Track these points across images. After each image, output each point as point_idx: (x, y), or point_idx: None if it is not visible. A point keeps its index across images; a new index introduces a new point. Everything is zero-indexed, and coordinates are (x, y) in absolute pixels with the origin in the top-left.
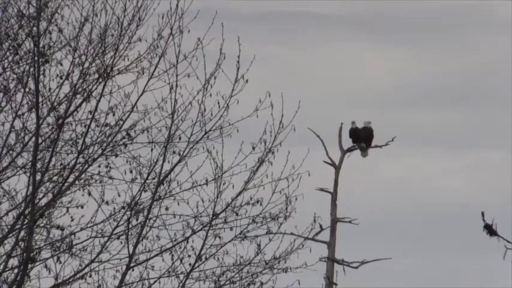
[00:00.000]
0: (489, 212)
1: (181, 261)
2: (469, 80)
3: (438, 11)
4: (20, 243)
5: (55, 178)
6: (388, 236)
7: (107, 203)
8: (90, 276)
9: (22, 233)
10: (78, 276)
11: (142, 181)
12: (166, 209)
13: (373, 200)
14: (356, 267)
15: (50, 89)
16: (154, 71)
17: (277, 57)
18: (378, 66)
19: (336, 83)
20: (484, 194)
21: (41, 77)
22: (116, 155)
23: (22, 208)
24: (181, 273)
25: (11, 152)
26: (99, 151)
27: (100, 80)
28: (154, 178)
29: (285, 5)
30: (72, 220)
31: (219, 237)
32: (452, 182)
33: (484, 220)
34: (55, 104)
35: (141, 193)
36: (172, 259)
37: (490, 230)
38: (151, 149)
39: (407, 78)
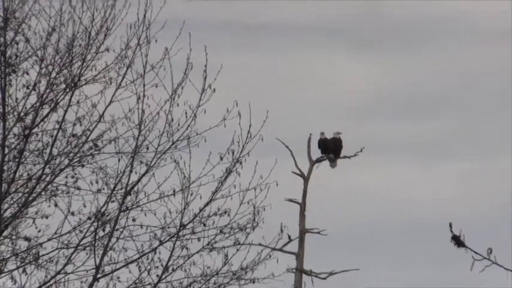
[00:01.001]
0: (459, 222)
1: (148, 272)
2: (442, 90)
3: (417, 20)
4: None
5: (21, 189)
6: (356, 247)
7: (73, 213)
8: (56, 287)
9: None
10: (43, 287)
11: (109, 192)
12: (133, 220)
13: (342, 210)
14: (324, 278)
15: (16, 99)
16: (121, 81)
17: (247, 66)
18: (351, 76)
19: (306, 93)
20: (453, 204)
21: (8, 87)
22: (83, 166)
23: None
24: (148, 284)
25: None
26: (66, 161)
27: (67, 90)
28: (121, 189)
29: (254, 14)
30: (39, 231)
31: (186, 248)
32: (422, 192)
33: (451, 231)
34: (22, 114)
35: (107, 204)
36: (139, 270)
37: (457, 241)
38: (119, 160)
39: (380, 88)
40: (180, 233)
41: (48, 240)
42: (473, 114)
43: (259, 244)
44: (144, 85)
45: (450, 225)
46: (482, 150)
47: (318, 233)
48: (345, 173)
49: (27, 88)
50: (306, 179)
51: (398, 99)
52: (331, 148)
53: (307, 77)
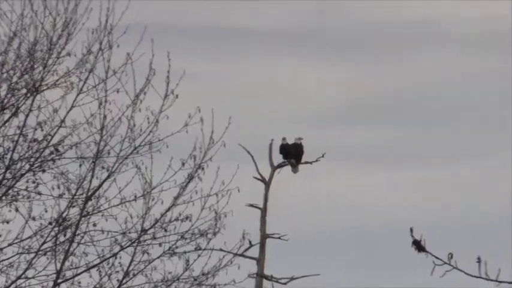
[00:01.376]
0: (420, 228)
1: (109, 277)
2: (405, 96)
3: (377, 27)
4: None
5: None
6: (317, 252)
7: (34, 218)
8: None
9: None
10: None
11: (70, 197)
12: (94, 225)
13: (303, 216)
14: (285, 283)
15: None
16: (83, 86)
17: (210, 72)
18: (313, 82)
19: (268, 99)
20: (415, 209)
21: None
22: (44, 171)
23: None
24: None
25: None
26: (27, 166)
27: (28, 95)
28: (82, 194)
29: (218, 20)
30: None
31: (147, 253)
32: (383, 198)
33: (412, 236)
34: None
35: (69, 209)
36: (100, 275)
37: (418, 245)
38: (80, 165)
39: (343, 94)
40: (141, 238)
41: (9, 245)
42: (434, 121)
43: (221, 249)
44: (106, 90)
45: (411, 230)
46: (443, 157)
47: (279, 238)
48: (306, 179)
49: None
50: (267, 184)
51: (360, 105)
52: (292, 153)
53: (269, 83)
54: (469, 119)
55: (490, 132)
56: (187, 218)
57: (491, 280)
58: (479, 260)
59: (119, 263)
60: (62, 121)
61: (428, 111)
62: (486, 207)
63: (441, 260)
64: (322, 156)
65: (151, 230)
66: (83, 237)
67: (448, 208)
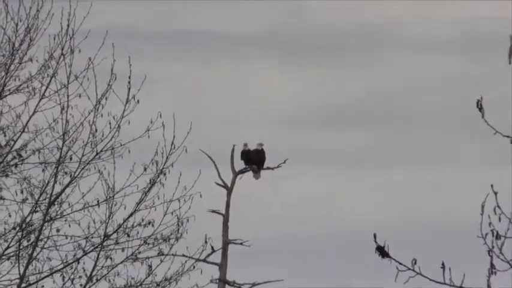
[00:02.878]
0: (385, 233)
1: (72, 282)
2: (375, 99)
3: (349, 29)
4: None
5: None
6: (280, 258)
7: None
8: None
9: None
10: None
11: (34, 202)
12: (58, 230)
13: (265, 222)
14: None
15: None
16: (45, 91)
17: (173, 77)
18: (282, 86)
19: (230, 104)
20: (379, 215)
21: None
22: (7, 176)
23: None
24: None
25: None
26: None
27: None
28: (45, 199)
29: (183, 24)
30: None
31: (110, 258)
32: (347, 203)
33: (376, 242)
34: None
35: (32, 214)
36: (63, 280)
37: (381, 251)
38: (43, 170)
39: (312, 97)
40: (104, 243)
41: None
42: (401, 125)
43: (183, 255)
44: (67, 95)
45: (374, 236)
46: (408, 161)
47: (241, 243)
48: (268, 184)
49: None
50: (229, 190)
51: (325, 108)
52: (253, 159)
53: (232, 88)
54: (436, 123)
55: (463, 138)
56: (149, 223)
57: (456, 286)
58: (443, 266)
59: (82, 268)
60: (25, 126)
61: (395, 114)
62: (453, 212)
63: (405, 265)
64: (284, 162)
65: (114, 235)
66: (46, 242)
67: (412, 213)
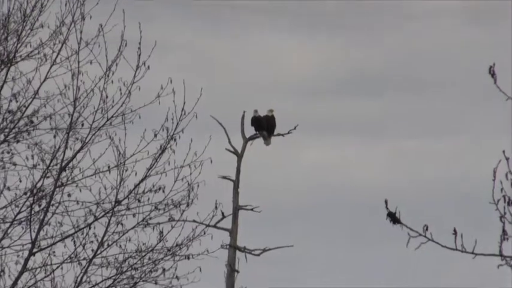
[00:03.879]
0: (402, 199)
1: (83, 247)
2: (388, 68)
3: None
4: None
5: None
6: (290, 224)
7: (9, 188)
8: None
9: None
10: None
11: (45, 167)
12: (69, 195)
13: (275, 187)
14: (258, 255)
15: None
16: (56, 57)
17: (184, 43)
18: (297, 53)
19: (242, 70)
20: (391, 181)
21: None
22: (18, 141)
23: None
24: (83, 259)
25: None
26: (2, 137)
27: (2, 66)
28: (56, 164)
29: None
30: None
31: (121, 224)
32: (357, 169)
33: (387, 208)
34: None
35: (43, 179)
36: (74, 245)
37: (393, 218)
38: (54, 136)
39: (326, 66)
40: (115, 209)
41: None
42: (416, 93)
43: (194, 221)
44: (78, 62)
45: (386, 202)
46: (422, 130)
47: (252, 209)
48: (279, 150)
49: None
50: (239, 156)
51: (337, 76)
52: (264, 126)
53: (244, 55)
54: (453, 91)
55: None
56: (160, 189)
57: (467, 252)
58: (455, 232)
59: (93, 233)
60: (36, 92)
61: (411, 83)
62: (466, 179)
63: (416, 231)
64: (295, 128)
65: (125, 201)
66: (57, 207)
67: (425, 180)
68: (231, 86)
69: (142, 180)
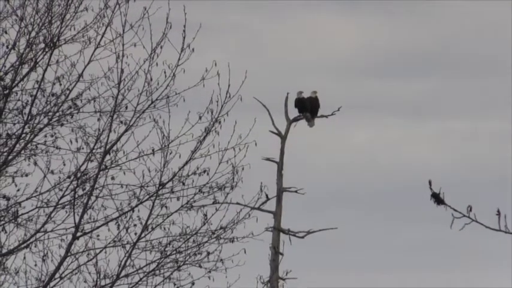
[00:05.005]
0: (440, 181)
1: (127, 231)
2: (433, 49)
3: None
4: None
5: (1, 148)
6: (334, 206)
7: (53, 172)
8: (36, 246)
9: None
10: (23, 246)
11: (89, 151)
12: (113, 178)
13: (319, 170)
14: (302, 237)
15: None
16: (100, 40)
17: (228, 26)
18: (340, 35)
19: (296, 52)
20: (435, 163)
21: None
22: (62, 125)
23: None
24: (127, 243)
25: None
26: (45, 121)
27: (46, 49)
28: (100, 148)
29: None
30: (18, 190)
31: (166, 207)
32: (402, 151)
33: (431, 189)
34: (1, 73)
35: (87, 163)
36: (118, 229)
37: (437, 198)
38: (98, 119)
39: (372, 46)
40: (159, 192)
41: (27, 199)
42: (461, 74)
43: (238, 203)
44: (123, 44)
45: (430, 183)
46: (466, 110)
47: (296, 191)
48: (323, 132)
49: (7, 47)
50: (283, 138)
51: (381, 57)
52: (307, 107)
53: (289, 36)
54: (499, 73)
55: None
56: (204, 171)
57: (511, 233)
58: (498, 213)
59: (137, 216)
60: (80, 75)
61: (456, 63)
62: (501, 160)
63: (460, 212)
64: (338, 110)
65: (169, 184)
66: (101, 190)
67: (469, 161)
68: (277, 67)
69: (186, 163)
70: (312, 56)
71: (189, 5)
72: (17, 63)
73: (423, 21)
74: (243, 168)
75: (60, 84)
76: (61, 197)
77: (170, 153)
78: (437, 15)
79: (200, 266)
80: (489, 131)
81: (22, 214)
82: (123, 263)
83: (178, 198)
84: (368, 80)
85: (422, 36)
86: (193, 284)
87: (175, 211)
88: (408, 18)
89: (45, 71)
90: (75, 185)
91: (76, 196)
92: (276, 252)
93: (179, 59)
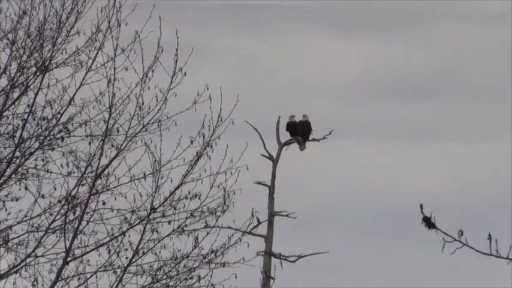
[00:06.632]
0: (432, 204)
1: (118, 255)
2: (432, 72)
3: (404, 2)
4: None
5: None
6: (325, 230)
7: (44, 196)
8: (26, 270)
9: None
10: (13, 270)
11: (80, 175)
12: (104, 203)
13: (311, 193)
14: (293, 261)
15: None
16: (92, 64)
17: (220, 49)
18: (341, 59)
19: (278, 75)
20: (426, 187)
21: None
22: (53, 149)
23: None
24: (118, 267)
25: None
26: (36, 145)
27: (38, 73)
28: (91, 172)
29: None
30: (8, 214)
31: (157, 231)
32: (392, 175)
33: (422, 213)
34: None
35: (78, 187)
36: (109, 253)
37: (428, 222)
38: (89, 143)
39: (369, 70)
40: (151, 216)
41: (18, 223)
42: (460, 97)
43: (229, 227)
44: (114, 68)
45: (421, 206)
46: (459, 134)
47: (287, 215)
48: (314, 156)
49: None
50: (274, 162)
51: (373, 80)
52: (299, 131)
53: (283, 59)
54: (500, 96)
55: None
56: (196, 196)
57: (502, 257)
58: (490, 238)
59: (128, 241)
60: (71, 99)
61: (456, 86)
62: (498, 184)
63: (451, 237)
64: (330, 133)
65: (161, 208)
66: (92, 215)
67: (465, 185)
68: (269, 91)
69: (178, 187)
70: (305, 80)
71: (181, 29)
72: (8, 87)
73: (420, 44)
74: (234, 193)
75: (52, 108)
76: (52, 222)
77: (162, 178)
78: (436, 38)
79: None
80: (487, 155)
81: (13, 238)
82: None
83: (169, 223)
84: (364, 104)
85: (418, 60)
86: None
87: (167, 235)
88: (405, 42)
89: (36, 95)
90: (66, 210)
91: (67, 221)
92: (267, 277)
93: (171, 83)
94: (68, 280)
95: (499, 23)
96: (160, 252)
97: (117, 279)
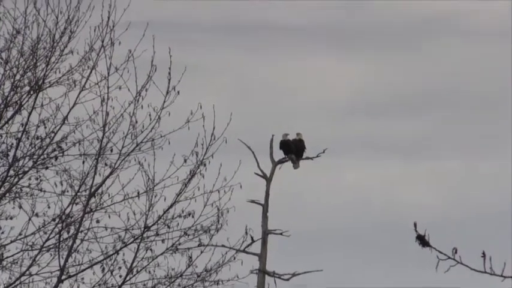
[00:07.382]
0: (426, 222)
1: (112, 273)
2: (427, 89)
3: (399, 21)
4: None
5: None
6: (319, 248)
7: (37, 215)
8: None
9: None
10: None
11: (73, 193)
12: (98, 221)
13: (304, 211)
14: (287, 280)
15: None
16: (85, 83)
17: (213, 67)
18: (337, 77)
19: (272, 94)
20: (421, 205)
21: None
22: (47, 168)
23: None
24: (112, 286)
25: None
26: (30, 163)
27: (31, 92)
28: (85, 190)
29: (243, 15)
30: (2, 233)
31: (151, 249)
32: (387, 193)
33: (416, 231)
34: None
35: (72, 205)
36: (103, 272)
37: (422, 240)
38: (83, 162)
39: (364, 88)
40: (144, 235)
41: (12, 241)
42: (455, 115)
43: (223, 246)
44: (108, 87)
45: (415, 225)
46: (464, 151)
47: (281, 234)
48: (308, 174)
49: None
50: (268, 180)
51: (383, 99)
52: (292, 149)
53: (272, 78)
54: (493, 112)
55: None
56: (189, 214)
57: (496, 275)
58: (484, 255)
59: (122, 259)
60: (65, 118)
61: (449, 103)
62: (493, 202)
63: (445, 254)
64: (323, 152)
65: (155, 227)
66: (86, 233)
67: (453, 203)
68: (263, 109)
69: (171, 206)
70: (298, 98)
71: (175, 48)
72: (2, 106)
73: (416, 61)
74: (228, 211)
75: (45, 127)
76: (46, 240)
77: (155, 196)
78: (433, 55)
79: None
80: (481, 172)
81: (7, 257)
82: None
83: (163, 241)
84: (357, 122)
85: (414, 77)
86: None
87: (161, 254)
88: (400, 58)
89: (30, 113)
90: (60, 228)
91: (61, 239)
92: None
93: (164, 102)
94: None
95: (498, 38)
96: (154, 271)
97: None
